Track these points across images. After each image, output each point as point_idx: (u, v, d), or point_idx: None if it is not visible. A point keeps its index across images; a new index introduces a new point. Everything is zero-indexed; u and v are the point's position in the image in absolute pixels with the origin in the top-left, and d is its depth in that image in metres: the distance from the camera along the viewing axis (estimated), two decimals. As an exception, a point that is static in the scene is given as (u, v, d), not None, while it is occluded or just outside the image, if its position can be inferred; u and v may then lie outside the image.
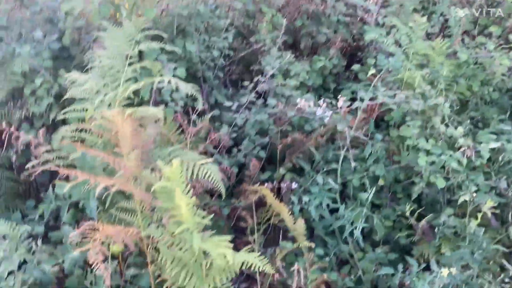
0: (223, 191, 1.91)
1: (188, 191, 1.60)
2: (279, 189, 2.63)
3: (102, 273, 1.46)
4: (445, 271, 1.73)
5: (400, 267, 2.11)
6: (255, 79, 2.75)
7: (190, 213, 1.50)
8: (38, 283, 2.01)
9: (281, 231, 2.64)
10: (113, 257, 2.19)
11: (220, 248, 1.45)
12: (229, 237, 1.59)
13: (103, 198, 1.92)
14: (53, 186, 2.30)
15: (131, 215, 1.84)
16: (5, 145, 2.95)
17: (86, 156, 1.87)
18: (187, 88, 1.87)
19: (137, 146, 1.71)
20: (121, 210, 1.89)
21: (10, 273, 1.83)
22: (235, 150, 2.68)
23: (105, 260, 1.45)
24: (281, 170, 2.75)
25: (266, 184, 2.51)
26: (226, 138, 2.44)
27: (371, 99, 2.40)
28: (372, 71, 2.44)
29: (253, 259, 1.51)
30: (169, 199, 1.67)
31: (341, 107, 2.35)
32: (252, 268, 1.58)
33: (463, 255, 1.88)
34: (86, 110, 2.08)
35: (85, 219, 2.67)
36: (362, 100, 2.45)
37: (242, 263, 1.53)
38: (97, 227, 1.52)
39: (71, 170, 1.57)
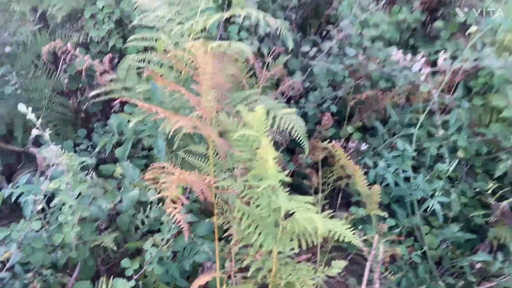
0: (306, 147, 1.72)
1: (270, 142, 1.41)
2: (344, 148, 2.43)
3: (178, 220, 1.31)
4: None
5: (500, 256, 1.92)
6: (337, 24, 2.48)
7: (275, 168, 1.32)
8: (92, 218, 1.91)
9: (340, 194, 2.47)
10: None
11: (308, 211, 1.28)
12: (310, 199, 1.42)
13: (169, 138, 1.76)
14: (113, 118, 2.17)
15: (201, 161, 1.68)
16: (59, 68, 2.82)
17: (157, 90, 1.70)
18: (277, 24, 1.64)
19: (216, 85, 1.52)
20: (190, 154, 1.73)
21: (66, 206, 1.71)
22: (302, 100, 2.46)
23: (181, 207, 1.29)
24: (349, 129, 2.54)
25: (334, 141, 2.30)
26: (299, 87, 2.22)
27: (467, 60, 2.12)
28: (473, 28, 2.14)
29: (342, 228, 1.33)
30: (248, 149, 1.50)
31: (438, 66, 2.08)
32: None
33: None
34: (156, 39, 1.88)
35: (137, 155, 2.57)
36: (453, 59, 2.18)
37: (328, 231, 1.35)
38: (171, 170, 1.36)
39: (151, 105, 1.39)
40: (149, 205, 2.22)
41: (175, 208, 1.26)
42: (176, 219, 1.27)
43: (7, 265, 1.81)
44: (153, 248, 1.71)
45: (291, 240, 1.43)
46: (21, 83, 2.68)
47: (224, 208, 1.60)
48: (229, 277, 1.68)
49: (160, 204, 2.19)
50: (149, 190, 2.13)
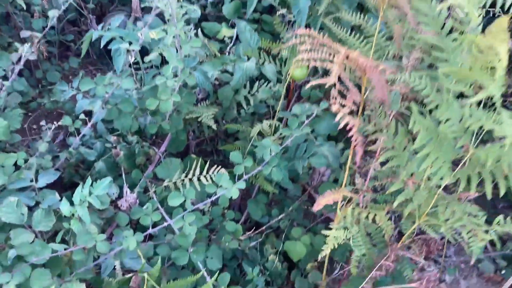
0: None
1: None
2: None
3: (350, 127, 0.89)
4: None
5: None
6: None
7: (503, 71, 0.81)
8: (193, 85, 1.53)
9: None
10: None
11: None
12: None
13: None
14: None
15: (353, 37, 1.19)
16: None
17: None
18: None
19: None
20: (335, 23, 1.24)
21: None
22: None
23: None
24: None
25: None
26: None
27: None
28: None
29: None
30: (436, 29, 0.98)
31: None
32: None
33: None
34: None
35: (247, 17, 2.10)
36: None
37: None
38: (331, 44, 0.90)
39: None
40: (257, 82, 1.81)
41: (343, 106, 0.81)
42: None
43: (91, 122, 1.51)
44: (274, 146, 1.31)
45: (479, 181, 0.97)
46: None
47: (377, 110, 1.14)
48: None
49: (271, 84, 1.77)
50: (263, 62, 1.70)
